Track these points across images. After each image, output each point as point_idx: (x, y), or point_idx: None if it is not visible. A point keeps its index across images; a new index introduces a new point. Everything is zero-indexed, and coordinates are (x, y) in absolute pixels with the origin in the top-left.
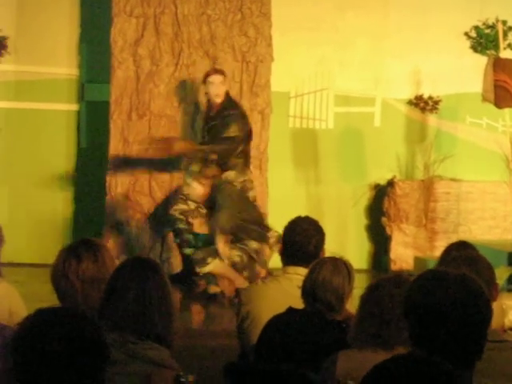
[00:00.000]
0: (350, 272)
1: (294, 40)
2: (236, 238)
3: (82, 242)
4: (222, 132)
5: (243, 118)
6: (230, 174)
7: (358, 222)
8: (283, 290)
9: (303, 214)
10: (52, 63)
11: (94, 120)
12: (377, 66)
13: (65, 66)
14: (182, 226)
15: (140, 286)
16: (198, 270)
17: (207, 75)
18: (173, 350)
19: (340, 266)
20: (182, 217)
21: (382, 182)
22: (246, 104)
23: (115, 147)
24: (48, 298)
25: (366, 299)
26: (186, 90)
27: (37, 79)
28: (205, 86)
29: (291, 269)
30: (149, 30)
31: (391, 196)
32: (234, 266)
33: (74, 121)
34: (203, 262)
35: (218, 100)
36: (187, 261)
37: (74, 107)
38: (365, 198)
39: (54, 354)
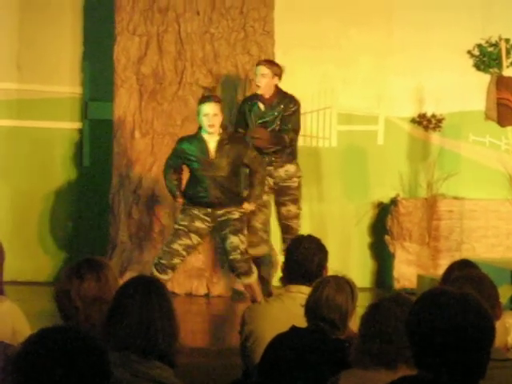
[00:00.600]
0: (354, 290)
1: (296, 58)
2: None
3: (85, 260)
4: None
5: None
6: (291, 168)
7: (361, 240)
8: (286, 309)
9: (306, 232)
10: (55, 81)
11: (96, 138)
12: (380, 83)
13: (68, 85)
14: (176, 261)
15: (143, 305)
16: (242, 281)
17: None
18: (176, 369)
19: (343, 284)
20: (184, 253)
21: (385, 200)
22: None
23: (118, 165)
24: (50, 316)
25: (367, 320)
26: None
27: (40, 97)
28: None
29: (294, 287)
30: (152, 49)
31: (394, 214)
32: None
33: (76, 139)
34: (249, 272)
35: (259, 91)
36: None
37: (77, 125)
38: (368, 216)
39: (56, 374)
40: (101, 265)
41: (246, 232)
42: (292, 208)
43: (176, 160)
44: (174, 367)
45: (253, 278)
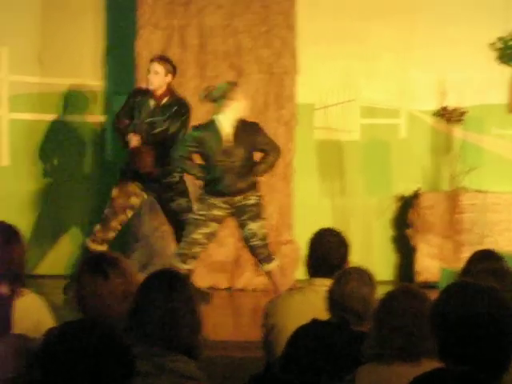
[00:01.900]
0: (375, 282)
1: (319, 51)
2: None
3: (101, 258)
4: None
5: None
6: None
7: (383, 233)
8: (309, 302)
9: (328, 226)
10: (77, 75)
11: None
12: (402, 77)
13: (90, 78)
14: (197, 250)
15: (167, 299)
16: (263, 267)
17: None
18: (199, 362)
19: (365, 275)
20: (205, 241)
21: (408, 193)
22: (271, 116)
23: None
24: (70, 309)
25: (384, 314)
26: None
27: (62, 91)
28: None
29: (317, 281)
30: (174, 42)
31: (416, 207)
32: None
33: (99, 133)
34: (270, 259)
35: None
36: None
37: (100, 119)
38: (390, 209)
39: (80, 367)
40: (118, 259)
41: (264, 216)
42: (181, 201)
43: (192, 148)
44: (197, 360)
45: (273, 265)
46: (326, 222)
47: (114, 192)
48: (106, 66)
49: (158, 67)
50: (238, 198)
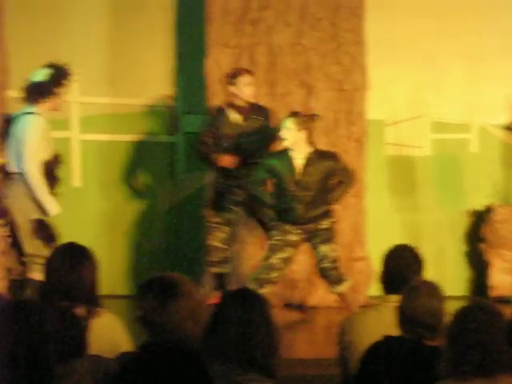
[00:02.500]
0: (443, 294)
1: (388, 67)
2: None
3: (164, 279)
4: None
5: None
6: None
7: (455, 248)
8: (384, 319)
9: (401, 242)
10: (147, 95)
11: (190, 151)
12: (472, 91)
13: (160, 98)
14: (275, 275)
15: (244, 318)
16: (334, 289)
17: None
18: (276, 381)
19: (434, 289)
20: (282, 266)
21: (480, 207)
22: (342, 132)
23: (211, 177)
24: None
25: (458, 330)
26: None
27: (133, 111)
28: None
29: (392, 297)
30: (244, 61)
31: (489, 222)
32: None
33: (170, 152)
34: (341, 281)
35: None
36: None
37: (171, 139)
38: (462, 224)
39: None
40: (181, 280)
41: (336, 239)
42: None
43: (264, 175)
44: (274, 379)
45: (345, 287)
46: (398, 238)
47: (205, 212)
48: (176, 86)
49: (253, 79)
50: (311, 225)
